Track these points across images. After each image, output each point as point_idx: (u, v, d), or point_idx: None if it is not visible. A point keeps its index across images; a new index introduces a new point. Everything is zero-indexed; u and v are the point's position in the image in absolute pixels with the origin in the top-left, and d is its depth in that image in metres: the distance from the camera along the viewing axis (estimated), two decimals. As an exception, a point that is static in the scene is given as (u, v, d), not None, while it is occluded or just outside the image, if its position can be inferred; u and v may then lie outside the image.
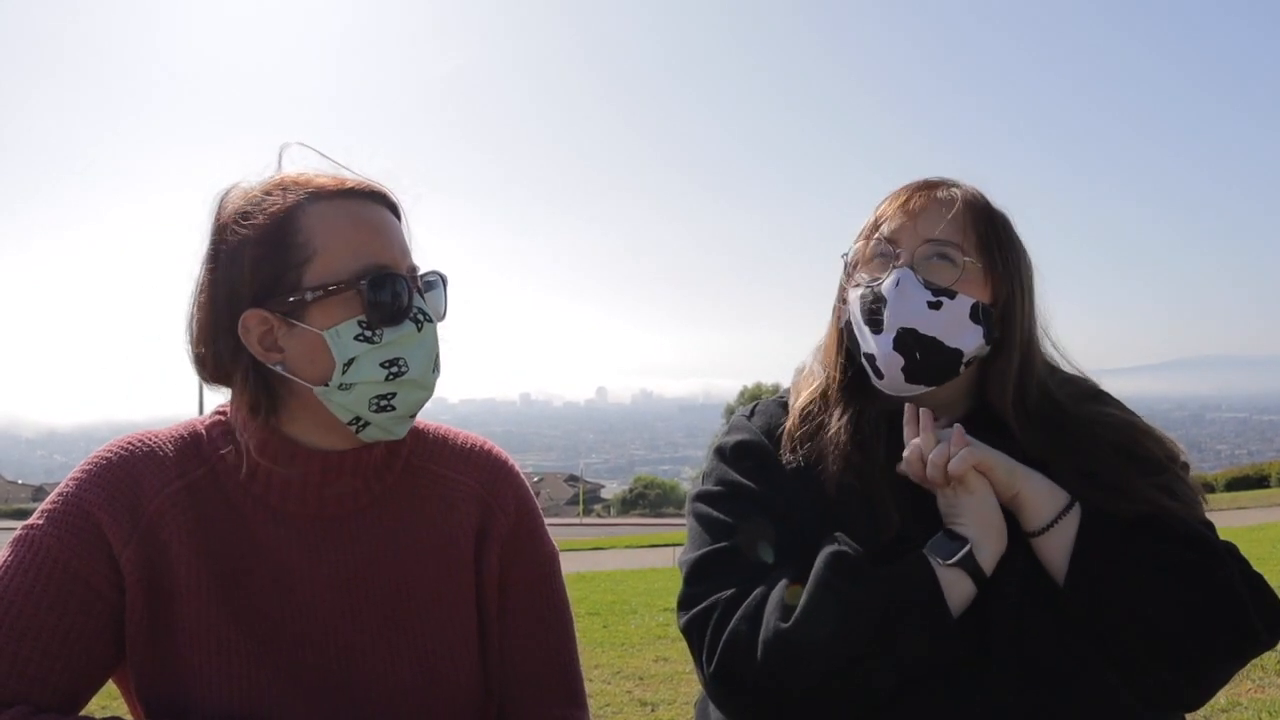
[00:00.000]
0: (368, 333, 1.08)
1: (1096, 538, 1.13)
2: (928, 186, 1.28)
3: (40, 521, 1.08)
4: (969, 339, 1.22)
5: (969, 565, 1.12)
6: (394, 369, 1.09)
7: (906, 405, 1.22)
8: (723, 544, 1.22)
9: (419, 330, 1.10)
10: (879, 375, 1.25)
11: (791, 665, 1.08)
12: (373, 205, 1.13)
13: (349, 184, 1.13)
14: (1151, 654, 1.10)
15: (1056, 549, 1.14)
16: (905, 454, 1.18)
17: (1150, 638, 1.10)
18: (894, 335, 1.21)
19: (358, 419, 1.11)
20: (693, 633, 1.18)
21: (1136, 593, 1.10)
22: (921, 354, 1.21)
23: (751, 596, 1.15)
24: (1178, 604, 1.10)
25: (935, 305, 1.21)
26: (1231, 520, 13.72)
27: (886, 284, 1.22)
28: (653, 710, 4.61)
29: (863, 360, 1.27)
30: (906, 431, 1.21)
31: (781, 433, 1.30)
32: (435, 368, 1.13)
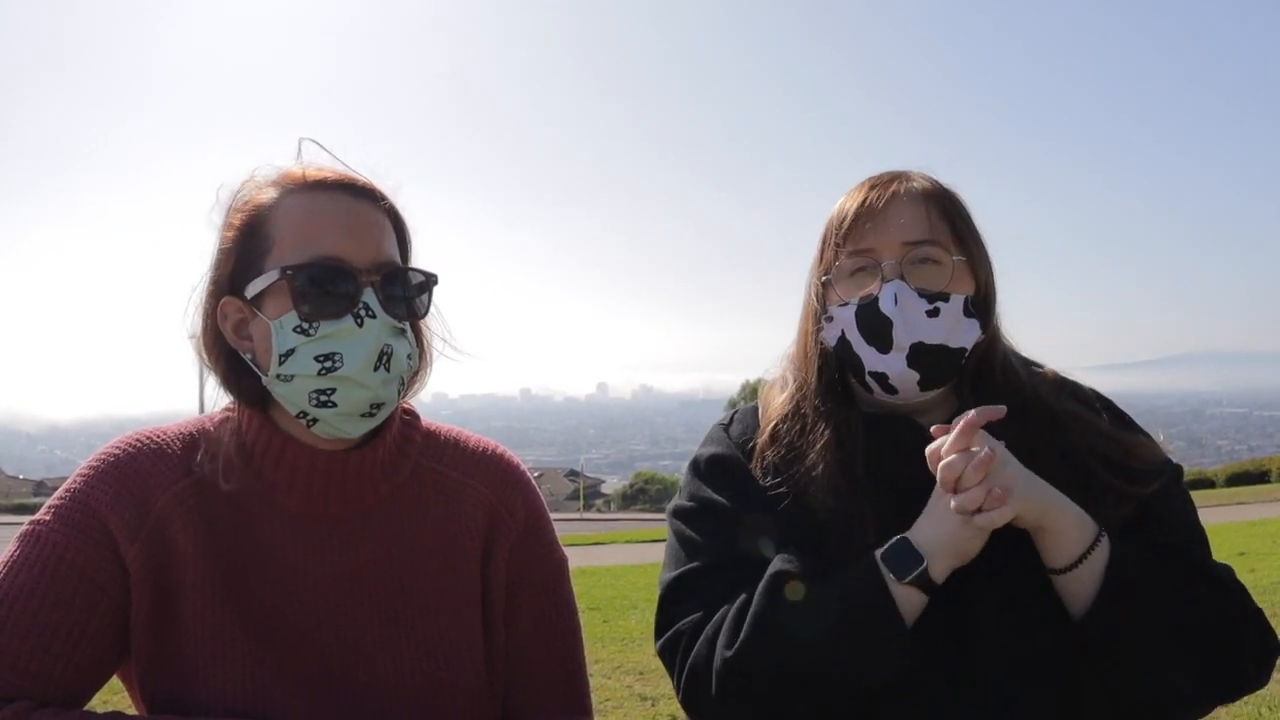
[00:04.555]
0: (304, 324, 1.07)
1: (1123, 579, 1.08)
2: (884, 183, 1.24)
3: (47, 518, 1.08)
4: (968, 335, 1.21)
5: (921, 581, 1.08)
6: (328, 364, 1.07)
7: (974, 412, 1.10)
8: (694, 564, 1.21)
9: (359, 326, 1.07)
10: (890, 391, 1.21)
11: (740, 690, 1.08)
12: (342, 198, 1.12)
13: (319, 177, 1.13)
14: (1152, 686, 1.10)
15: (1079, 587, 1.09)
16: (942, 466, 1.09)
17: (1156, 673, 1.09)
18: (906, 353, 1.18)
19: (304, 413, 1.10)
20: (664, 659, 1.20)
21: (1155, 634, 1.08)
22: (932, 362, 1.19)
23: (711, 622, 1.14)
24: (1191, 649, 1.08)
25: (934, 313, 1.18)
26: (1231, 515, 13.72)
27: (884, 302, 1.18)
28: (653, 705, 4.63)
29: (868, 379, 1.22)
30: (952, 441, 1.09)
31: (755, 443, 1.28)
32: (385, 366, 1.09)
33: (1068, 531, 1.09)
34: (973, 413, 1.10)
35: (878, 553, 1.11)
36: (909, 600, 1.08)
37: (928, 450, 1.12)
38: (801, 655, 1.07)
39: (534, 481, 1.32)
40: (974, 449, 1.08)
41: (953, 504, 1.07)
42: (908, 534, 1.11)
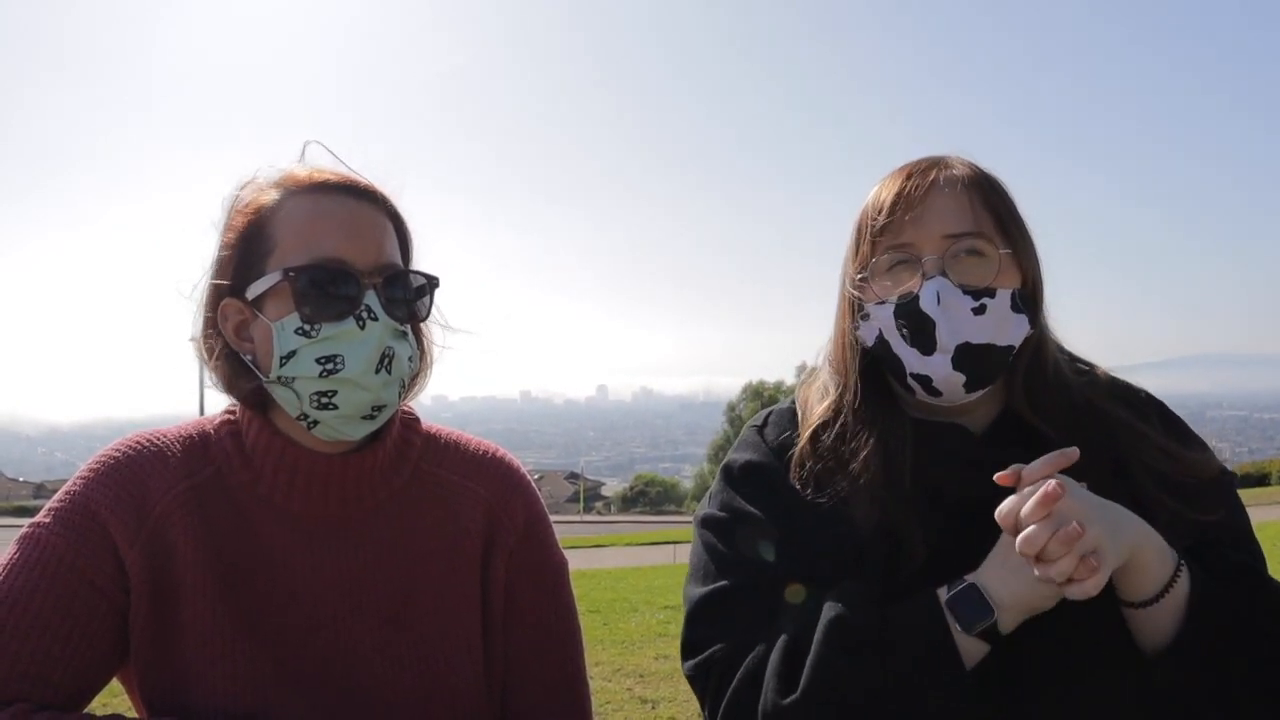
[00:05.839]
0: (306, 326, 1.07)
1: (1209, 609, 1.01)
2: (922, 171, 1.16)
3: (47, 520, 1.08)
4: (1016, 331, 1.14)
5: (988, 633, 1.01)
6: (329, 366, 1.07)
7: (1054, 483, 0.96)
8: (724, 583, 1.15)
9: (360, 328, 1.07)
10: (934, 394, 1.14)
11: None
12: (344, 200, 1.12)
13: (320, 178, 1.13)
14: None
15: (1158, 622, 1.01)
16: (1021, 540, 0.96)
17: (1241, 711, 1.01)
18: (951, 355, 1.10)
19: (304, 415, 1.10)
20: (696, 683, 1.14)
21: (1240, 668, 1.01)
22: (980, 363, 1.11)
23: (753, 654, 1.07)
24: (1270, 690, 1.01)
25: (980, 310, 1.10)
26: (1232, 518, 13.69)
27: (925, 300, 1.10)
28: (653, 707, 4.62)
29: (910, 381, 1.15)
30: (1030, 510, 0.96)
31: (794, 450, 1.20)
32: (387, 369, 1.09)
33: (1150, 565, 1.00)
34: (1052, 483, 0.95)
35: (943, 597, 1.02)
36: (970, 649, 1.01)
37: (998, 513, 0.99)
38: (859, 709, 0.99)
39: (534, 484, 1.32)
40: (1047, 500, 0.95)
41: (1037, 572, 0.96)
42: (977, 579, 1.02)
